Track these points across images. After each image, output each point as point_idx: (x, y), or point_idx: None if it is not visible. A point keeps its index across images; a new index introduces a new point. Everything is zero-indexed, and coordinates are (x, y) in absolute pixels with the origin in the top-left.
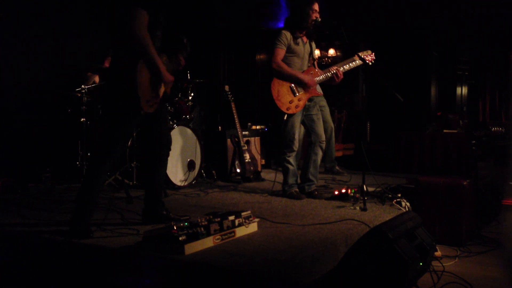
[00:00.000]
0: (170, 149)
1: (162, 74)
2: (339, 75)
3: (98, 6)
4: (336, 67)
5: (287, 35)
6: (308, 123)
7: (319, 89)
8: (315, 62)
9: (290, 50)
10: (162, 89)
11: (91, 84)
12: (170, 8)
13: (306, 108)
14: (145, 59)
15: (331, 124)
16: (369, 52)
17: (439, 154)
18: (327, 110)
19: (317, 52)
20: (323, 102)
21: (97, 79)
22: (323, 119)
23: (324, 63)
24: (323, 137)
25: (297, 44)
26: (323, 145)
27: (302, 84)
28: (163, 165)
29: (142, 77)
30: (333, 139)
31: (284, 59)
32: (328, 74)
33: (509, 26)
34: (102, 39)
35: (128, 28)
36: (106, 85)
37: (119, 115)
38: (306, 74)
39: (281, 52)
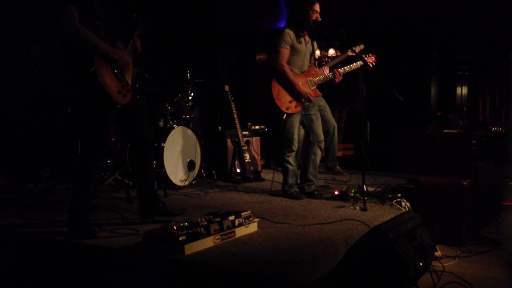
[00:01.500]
0: (152, 142)
1: (117, 58)
2: (338, 75)
3: None
4: (330, 65)
5: (290, 34)
6: (306, 123)
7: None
8: (316, 62)
9: (292, 49)
10: (129, 75)
11: None
12: (170, 8)
13: (305, 108)
14: (94, 53)
15: (333, 123)
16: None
17: (439, 154)
18: (327, 109)
19: (317, 52)
20: (323, 102)
21: None
22: (325, 119)
23: (324, 63)
24: (322, 137)
25: (300, 42)
26: (322, 145)
27: (298, 95)
28: (150, 159)
29: (102, 70)
30: (336, 138)
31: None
32: (328, 75)
33: (509, 26)
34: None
35: (62, 30)
36: (73, 90)
37: (95, 115)
38: (307, 75)
39: (286, 52)
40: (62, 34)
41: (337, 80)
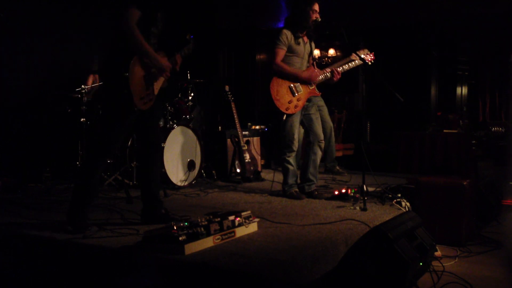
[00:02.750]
0: (160, 147)
1: (159, 63)
2: (336, 74)
3: (98, 7)
4: (333, 67)
5: (287, 34)
6: (306, 122)
7: (316, 89)
8: (315, 62)
9: (290, 50)
10: (158, 86)
11: (91, 85)
12: (170, 8)
13: (304, 108)
14: (138, 55)
15: (330, 123)
16: (366, 51)
17: (439, 154)
18: (325, 110)
19: (317, 52)
20: (321, 102)
21: (97, 79)
22: (322, 119)
23: (324, 63)
24: (322, 137)
25: (298, 43)
26: (322, 145)
27: (304, 82)
28: (156, 163)
29: (134, 73)
30: (333, 139)
31: (284, 59)
32: (327, 74)
33: (509, 26)
34: (102, 39)
35: (120, 27)
36: (102, 84)
37: (113, 113)
38: (307, 71)
39: (281, 53)
40: (120, 30)
41: (335, 79)
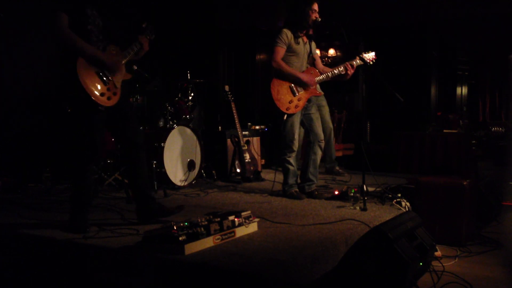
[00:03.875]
0: (142, 146)
1: (104, 60)
2: (350, 68)
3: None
4: (346, 64)
5: (287, 33)
6: (307, 122)
7: (319, 89)
8: (315, 62)
9: (290, 50)
10: (118, 79)
11: None
12: (170, 8)
13: (304, 108)
14: (80, 56)
15: (330, 125)
16: (373, 55)
17: (439, 154)
18: (326, 110)
19: (317, 52)
20: (323, 102)
21: None
22: (323, 119)
23: (324, 63)
24: (322, 136)
25: (298, 43)
26: (322, 145)
27: (301, 84)
28: (140, 161)
29: (84, 73)
30: (333, 140)
31: (284, 58)
32: (328, 74)
33: (509, 26)
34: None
35: (52, 33)
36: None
37: (80, 118)
38: (306, 74)
39: (281, 51)
40: (53, 37)
41: (349, 74)
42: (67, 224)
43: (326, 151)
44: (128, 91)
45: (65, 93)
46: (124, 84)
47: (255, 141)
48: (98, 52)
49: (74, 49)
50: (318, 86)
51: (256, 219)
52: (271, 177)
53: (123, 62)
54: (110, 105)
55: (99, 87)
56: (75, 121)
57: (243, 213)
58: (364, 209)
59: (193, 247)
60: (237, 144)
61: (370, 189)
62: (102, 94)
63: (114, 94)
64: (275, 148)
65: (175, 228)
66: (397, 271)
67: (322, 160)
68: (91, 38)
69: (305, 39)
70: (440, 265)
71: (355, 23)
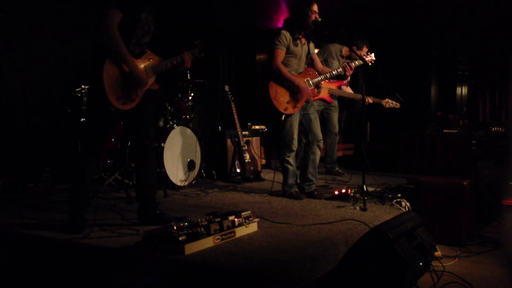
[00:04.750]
0: (152, 150)
1: (133, 69)
2: (349, 69)
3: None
4: (336, 69)
5: (286, 35)
6: (305, 122)
7: (332, 90)
8: (314, 63)
9: (288, 51)
10: (143, 89)
11: None
12: (169, 8)
13: (303, 108)
14: (113, 57)
15: (336, 127)
16: (372, 56)
17: (439, 154)
18: (336, 111)
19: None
20: (335, 103)
21: None
22: (330, 122)
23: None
24: (321, 137)
25: (296, 45)
26: (321, 144)
27: (297, 92)
28: (148, 167)
29: (109, 73)
30: (336, 141)
31: (282, 60)
32: (327, 75)
33: (509, 26)
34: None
35: (97, 27)
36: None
37: (92, 112)
38: (304, 75)
39: (281, 53)
40: (97, 31)
41: (348, 73)
42: (66, 224)
43: (327, 151)
44: (157, 97)
45: (88, 88)
46: (152, 93)
47: (255, 141)
48: (132, 61)
49: (112, 50)
50: (327, 90)
51: (256, 219)
52: (271, 177)
53: (154, 73)
54: (124, 109)
55: (118, 90)
56: (89, 118)
57: (243, 213)
58: (364, 209)
59: (193, 247)
60: (237, 144)
61: (370, 189)
62: (118, 98)
63: (132, 101)
64: (275, 148)
65: (175, 228)
66: (397, 271)
67: (322, 160)
68: (131, 41)
69: (303, 40)
70: (440, 265)
71: (355, 23)
